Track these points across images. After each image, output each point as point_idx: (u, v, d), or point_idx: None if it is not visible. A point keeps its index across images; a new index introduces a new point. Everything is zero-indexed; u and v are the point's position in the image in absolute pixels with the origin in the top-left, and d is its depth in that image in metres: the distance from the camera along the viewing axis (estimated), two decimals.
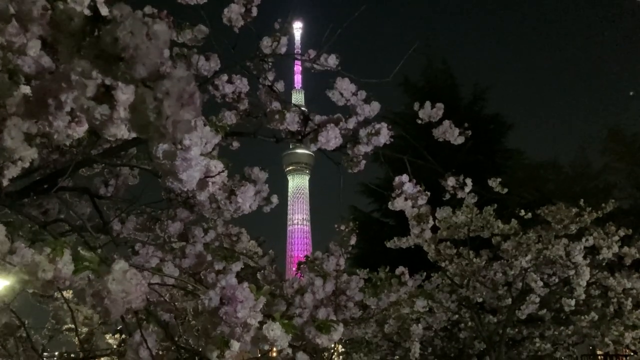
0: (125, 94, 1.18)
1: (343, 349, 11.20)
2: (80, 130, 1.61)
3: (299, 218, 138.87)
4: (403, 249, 8.47)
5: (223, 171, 1.83)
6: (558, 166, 19.22)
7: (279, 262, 4.49)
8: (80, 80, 1.15)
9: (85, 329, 2.86)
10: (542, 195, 16.09)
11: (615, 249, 7.29)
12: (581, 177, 18.16)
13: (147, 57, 0.88)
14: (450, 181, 3.09)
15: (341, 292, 3.12)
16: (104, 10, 0.90)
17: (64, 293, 2.28)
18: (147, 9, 2.61)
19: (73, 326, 2.88)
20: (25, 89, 1.53)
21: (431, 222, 2.93)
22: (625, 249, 7.45)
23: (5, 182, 1.84)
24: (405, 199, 2.77)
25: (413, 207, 2.79)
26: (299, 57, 2.92)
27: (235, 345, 1.96)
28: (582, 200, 7.80)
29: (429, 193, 2.82)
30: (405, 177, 2.77)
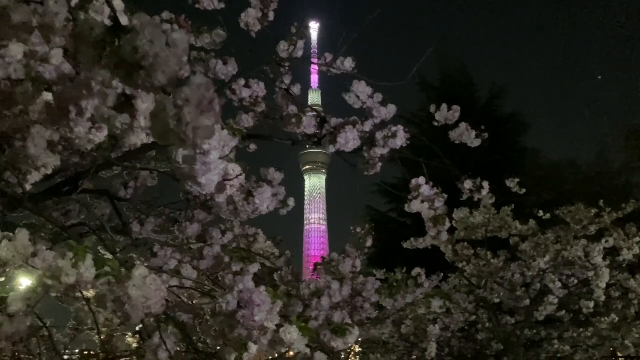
0: (145, 103, 1.20)
1: (360, 349, 11.20)
2: (101, 136, 1.63)
3: (315, 217, 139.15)
4: (420, 249, 8.44)
5: (241, 174, 1.84)
6: (577, 165, 19.00)
7: (295, 262, 4.51)
8: (101, 90, 1.17)
9: (105, 329, 2.90)
10: (561, 195, 15.91)
11: (636, 250, 7.20)
12: (600, 177, 17.91)
13: (166, 64, 0.89)
14: (467, 184, 3.07)
15: (357, 293, 3.13)
16: (124, 20, 0.92)
17: (86, 294, 2.29)
18: (165, 15, 2.64)
19: (94, 327, 2.93)
20: (48, 96, 1.56)
21: (448, 225, 2.92)
22: None
23: (28, 187, 1.88)
24: (422, 202, 2.76)
25: (430, 209, 2.78)
26: (316, 62, 2.93)
27: (253, 348, 1.97)
28: (601, 200, 7.71)
29: (446, 195, 2.81)
30: (422, 180, 2.76)
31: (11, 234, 1.58)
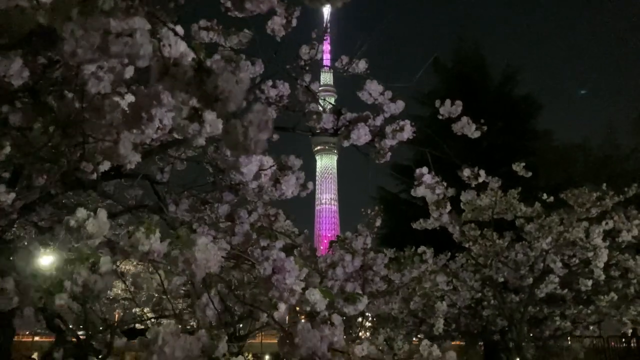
0: (210, 115, 1.59)
1: (370, 325, 11.66)
2: (156, 135, 2.02)
3: (327, 198, 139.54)
4: (430, 232, 8.82)
5: (273, 165, 2.24)
6: (587, 148, 19.17)
7: (310, 240, 4.91)
8: (177, 105, 1.56)
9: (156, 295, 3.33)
10: (570, 177, 16.15)
11: (635, 231, 7.50)
12: (610, 160, 18.09)
13: (236, 97, 1.27)
14: (466, 172, 3.43)
15: (368, 267, 3.52)
16: (207, 65, 1.29)
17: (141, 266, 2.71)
18: (202, 22, 3.02)
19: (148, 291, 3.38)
20: (129, 98, 1.93)
21: (449, 208, 3.28)
22: None
23: (95, 176, 2.30)
24: (426, 188, 3.13)
25: (433, 194, 3.15)
26: (334, 68, 3.30)
27: (282, 308, 2.38)
28: (604, 184, 8.01)
29: (445, 183, 3.17)
30: (425, 169, 3.13)
31: (92, 213, 1.99)
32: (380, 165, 3.28)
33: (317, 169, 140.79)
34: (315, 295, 2.11)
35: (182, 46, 1.75)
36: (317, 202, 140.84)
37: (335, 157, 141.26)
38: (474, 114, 3.65)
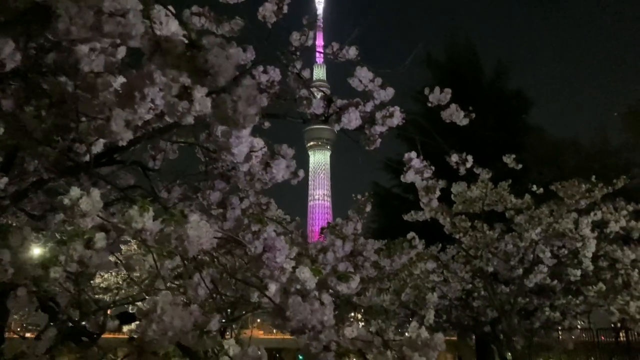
0: (199, 93, 1.63)
1: (361, 317, 11.73)
2: (149, 116, 2.06)
3: (319, 194, 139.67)
4: (421, 224, 8.89)
5: (263, 147, 2.28)
6: (578, 144, 19.29)
7: (303, 228, 4.96)
8: (168, 83, 1.60)
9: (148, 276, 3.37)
10: (562, 172, 16.25)
11: (623, 222, 7.61)
12: (600, 155, 18.22)
13: (226, 72, 1.31)
14: (454, 157, 3.49)
15: (358, 253, 3.57)
16: (199, 41, 1.34)
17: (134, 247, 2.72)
18: (194, 8, 3.05)
19: (141, 273, 3.42)
20: (122, 80, 1.97)
21: (438, 193, 3.34)
22: (633, 223, 7.76)
23: (88, 157, 2.33)
24: (415, 173, 3.18)
25: (422, 180, 3.20)
26: (325, 53, 3.33)
27: (273, 288, 2.43)
28: (593, 176, 8.11)
29: (433, 167, 3.23)
30: (413, 154, 3.19)
31: (85, 193, 2.03)
32: (373, 161, 3.34)
33: (310, 165, 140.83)
34: (305, 274, 2.16)
35: (174, 26, 1.79)
36: (309, 198, 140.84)
37: (328, 153, 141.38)
38: (466, 110, 3.67)
